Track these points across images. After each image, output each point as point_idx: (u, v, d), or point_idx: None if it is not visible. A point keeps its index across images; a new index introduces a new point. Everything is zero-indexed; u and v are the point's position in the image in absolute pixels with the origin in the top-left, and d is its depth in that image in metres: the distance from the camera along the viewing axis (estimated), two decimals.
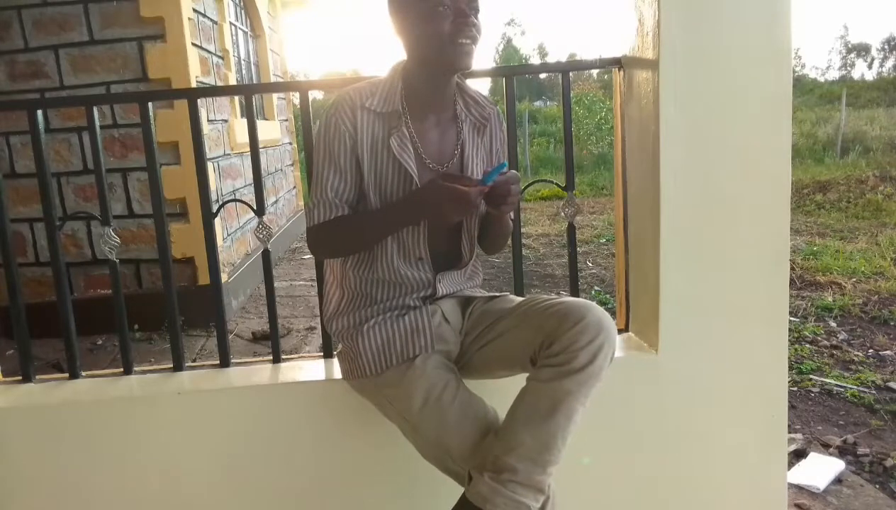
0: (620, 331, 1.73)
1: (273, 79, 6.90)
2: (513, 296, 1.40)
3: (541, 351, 1.18)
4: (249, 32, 6.41)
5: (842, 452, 2.35)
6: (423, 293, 1.34)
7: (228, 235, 4.72)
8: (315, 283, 1.72)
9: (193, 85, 4.03)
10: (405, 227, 1.27)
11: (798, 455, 2.30)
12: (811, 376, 3.10)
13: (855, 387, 2.96)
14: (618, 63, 1.66)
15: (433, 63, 1.24)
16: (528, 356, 1.22)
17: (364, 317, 1.33)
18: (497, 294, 1.42)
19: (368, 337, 1.30)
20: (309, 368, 1.66)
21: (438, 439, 1.23)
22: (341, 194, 1.28)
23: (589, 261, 5.79)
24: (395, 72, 1.31)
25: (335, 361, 1.43)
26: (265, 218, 1.65)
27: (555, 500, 1.21)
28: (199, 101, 1.64)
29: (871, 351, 3.45)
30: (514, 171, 1.24)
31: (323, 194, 1.28)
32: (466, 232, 1.37)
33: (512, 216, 1.42)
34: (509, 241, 1.57)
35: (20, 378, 1.66)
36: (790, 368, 3.08)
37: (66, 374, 1.68)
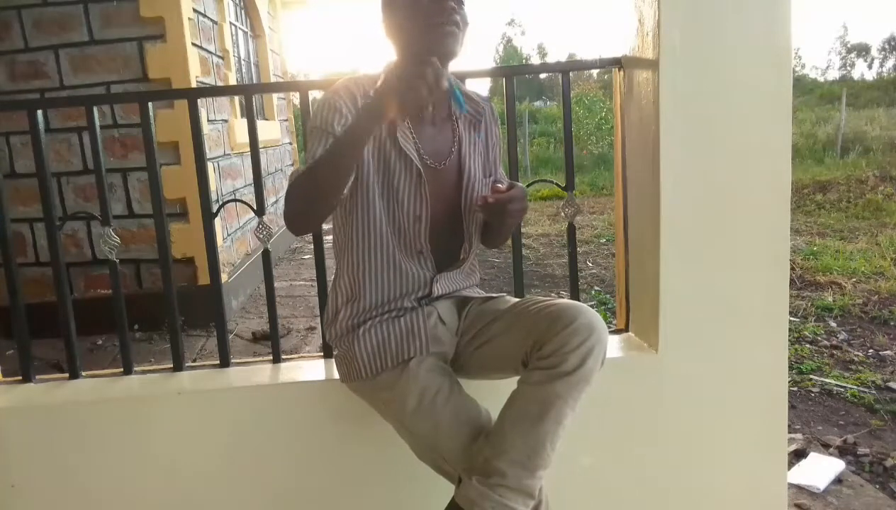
0: (620, 331, 1.73)
1: (273, 79, 6.90)
2: (509, 297, 1.40)
3: (532, 353, 1.18)
4: (249, 32, 6.41)
5: (842, 452, 2.35)
6: (419, 293, 1.34)
7: (228, 235, 4.72)
8: (315, 283, 1.72)
9: (193, 85, 4.03)
10: (368, 132, 1.11)
11: (798, 455, 2.30)
12: (811, 376, 3.10)
13: (855, 387, 2.96)
14: (618, 63, 1.66)
15: (424, 49, 1.21)
16: (520, 358, 1.21)
17: (360, 320, 1.32)
18: (494, 295, 1.42)
19: (364, 339, 1.30)
20: (309, 368, 1.67)
21: (431, 441, 1.24)
22: None
23: (589, 261, 5.79)
24: (389, 68, 1.30)
25: (335, 362, 1.43)
26: (265, 218, 1.65)
27: (548, 504, 1.20)
28: (199, 100, 1.64)
29: (871, 351, 3.45)
30: (520, 187, 1.24)
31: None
32: (466, 229, 1.37)
33: None
34: (509, 241, 1.57)
35: (20, 378, 1.66)
36: (790, 368, 3.08)
37: (66, 374, 1.68)
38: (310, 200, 1.16)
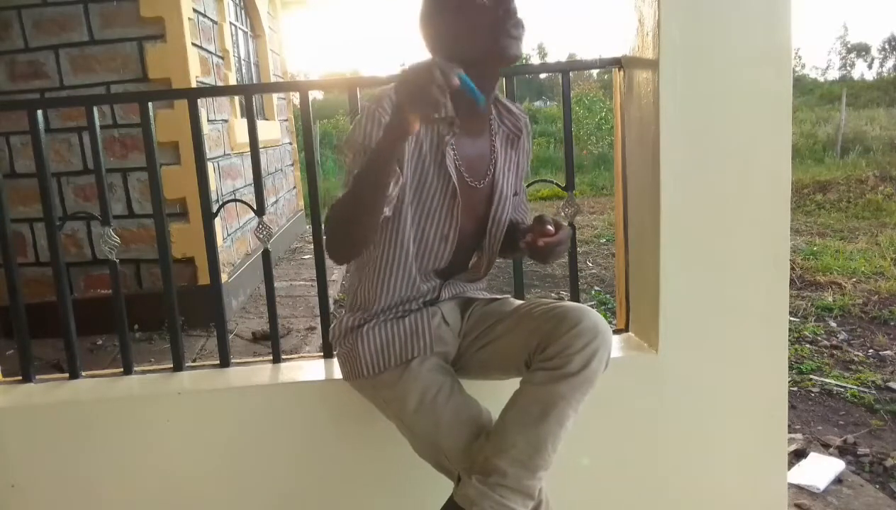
0: (620, 331, 1.73)
1: (273, 79, 6.89)
2: (512, 299, 1.40)
3: (535, 354, 1.18)
4: (249, 32, 6.41)
5: (842, 452, 2.35)
6: (426, 298, 1.34)
7: (228, 235, 4.72)
8: (315, 283, 1.72)
9: (193, 85, 4.03)
10: (394, 151, 1.07)
11: (798, 455, 2.30)
12: (811, 376, 3.10)
13: (855, 387, 2.96)
14: (618, 63, 1.66)
15: (484, 55, 1.17)
16: (523, 359, 1.21)
17: (364, 319, 1.32)
18: (497, 296, 1.42)
19: (368, 338, 1.29)
20: (309, 368, 1.67)
21: (432, 439, 1.24)
22: None
23: (589, 261, 5.79)
24: None
25: (335, 361, 1.43)
26: (265, 218, 1.65)
27: (549, 504, 1.20)
28: (199, 100, 1.64)
29: (871, 351, 3.45)
30: (567, 229, 1.21)
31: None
32: (489, 247, 1.36)
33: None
34: None
35: (20, 378, 1.66)
36: (790, 368, 3.08)
37: (66, 374, 1.68)
38: (348, 222, 1.13)
